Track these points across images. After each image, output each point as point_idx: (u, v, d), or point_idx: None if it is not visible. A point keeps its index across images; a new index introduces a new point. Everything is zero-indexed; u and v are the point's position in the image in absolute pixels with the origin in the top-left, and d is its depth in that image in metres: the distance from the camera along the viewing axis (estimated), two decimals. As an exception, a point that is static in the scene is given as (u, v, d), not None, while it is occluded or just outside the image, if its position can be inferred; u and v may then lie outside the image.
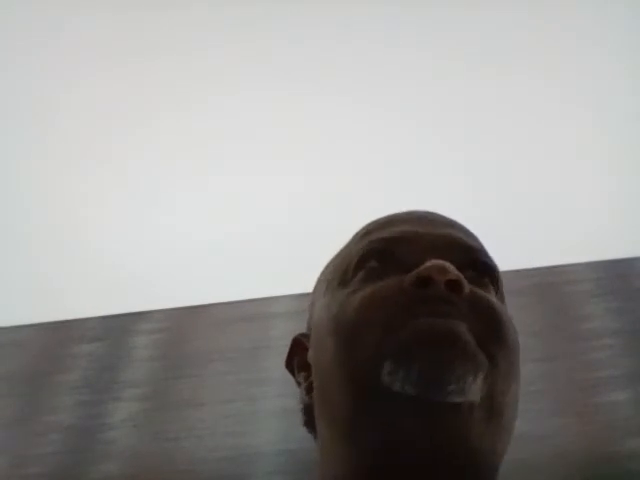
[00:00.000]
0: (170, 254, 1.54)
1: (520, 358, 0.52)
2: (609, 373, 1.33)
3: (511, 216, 1.45)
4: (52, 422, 1.43)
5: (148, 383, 1.47)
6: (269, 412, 1.36)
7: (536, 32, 1.27)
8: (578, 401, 1.30)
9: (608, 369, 1.33)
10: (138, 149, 1.40)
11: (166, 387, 1.46)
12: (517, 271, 1.47)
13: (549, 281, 1.50)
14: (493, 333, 0.50)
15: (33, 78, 1.33)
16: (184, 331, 1.56)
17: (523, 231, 1.47)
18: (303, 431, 0.60)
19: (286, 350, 0.64)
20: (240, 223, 1.49)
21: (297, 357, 0.62)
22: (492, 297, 0.53)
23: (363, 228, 0.60)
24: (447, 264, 0.49)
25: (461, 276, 0.49)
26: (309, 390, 0.57)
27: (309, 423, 0.58)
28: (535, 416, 1.23)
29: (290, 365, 0.63)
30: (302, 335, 0.63)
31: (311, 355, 0.57)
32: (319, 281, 0.62)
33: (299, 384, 0.60)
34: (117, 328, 1.58)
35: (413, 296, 0.49)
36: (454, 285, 0.48)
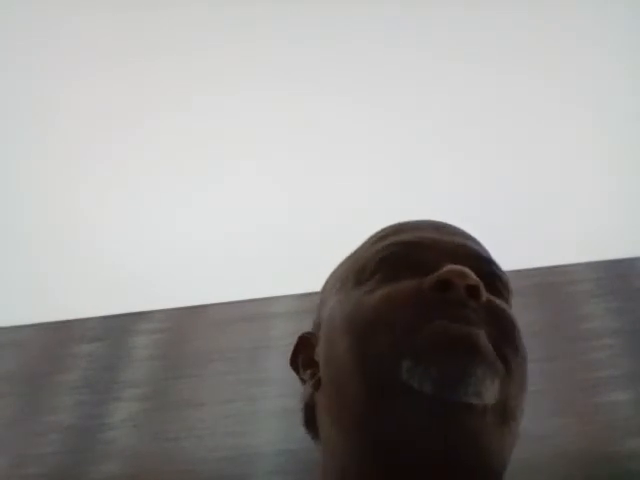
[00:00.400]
0: (170, 254, 1.54)
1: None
2: (609, 373, 1.33)
3: (511, 216, 1.45)
4: (52, 422, 1.43)
5: (148, 383, 1.47)
6: (269, 412, 1.36)
7: (536, 32, 1.27)
8: (578, 401, 1.30)
9: (608, 369, 1.34)
10: (138, 149, 1.40)
11: (166, 387, 1.46)
12: (517, 271, 1.47)
13: (549, 281, 1.50)
14: (509, 341, 0.50)
15: (33, 78, 1.33)
16: (184, 331, 1.56)
17: (523, 231, 1.47)
18: (303, 431, 0.60)
19: (286, 350, 0.64)
20: (240, 223, 1.49)
21: (302, 355, 0.62)
22: (507, 306, 0.54)
23: (379, 232, 0.60)
24: (467, 269, 0.49)
25: (480, 282, 0.49)
26: (317, 386, 0.57)
27: (309, 423, 0.58)
28: (535, 416, 1.23)
29: (295, 363, 0.63)
30: (308, 333, 0.63)
31: (320, 352, 0.57)
32: (329, 281, 0.63)
33: (303, 381, 0.61)
34: (117, 328, 1.59)
35: (432, 299, 0.49)
36: (473, 291, 0.49)
